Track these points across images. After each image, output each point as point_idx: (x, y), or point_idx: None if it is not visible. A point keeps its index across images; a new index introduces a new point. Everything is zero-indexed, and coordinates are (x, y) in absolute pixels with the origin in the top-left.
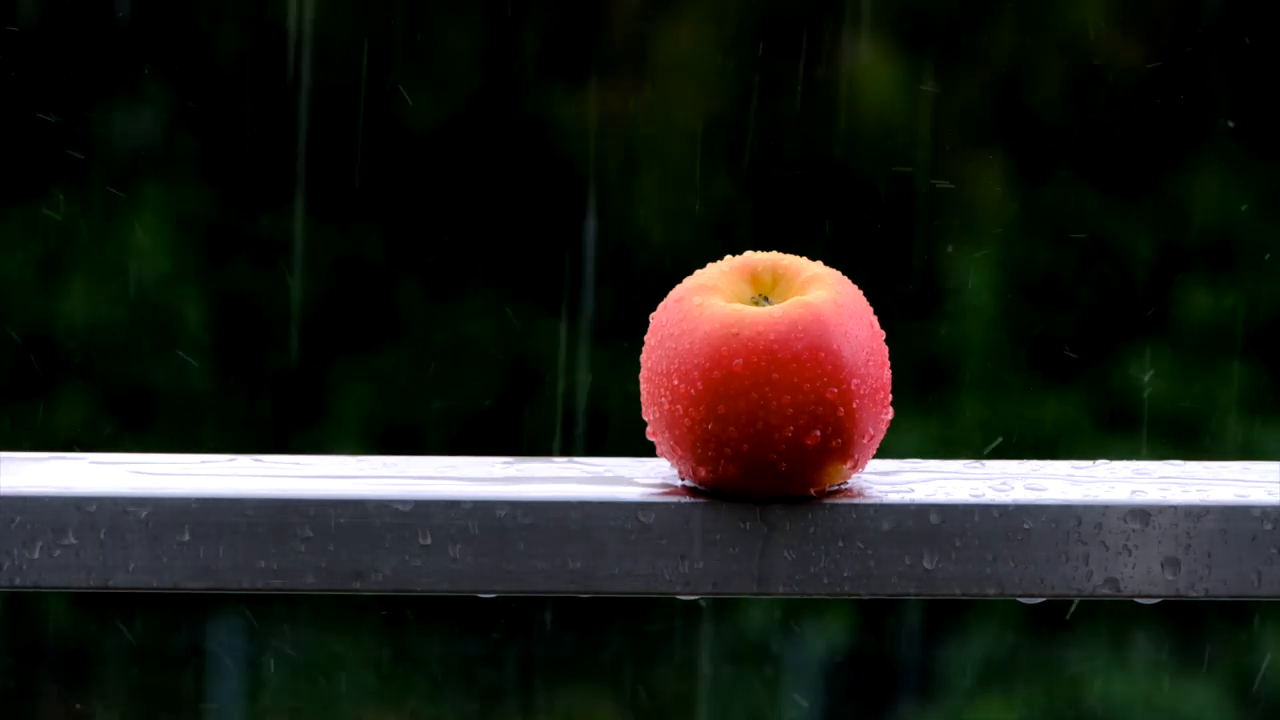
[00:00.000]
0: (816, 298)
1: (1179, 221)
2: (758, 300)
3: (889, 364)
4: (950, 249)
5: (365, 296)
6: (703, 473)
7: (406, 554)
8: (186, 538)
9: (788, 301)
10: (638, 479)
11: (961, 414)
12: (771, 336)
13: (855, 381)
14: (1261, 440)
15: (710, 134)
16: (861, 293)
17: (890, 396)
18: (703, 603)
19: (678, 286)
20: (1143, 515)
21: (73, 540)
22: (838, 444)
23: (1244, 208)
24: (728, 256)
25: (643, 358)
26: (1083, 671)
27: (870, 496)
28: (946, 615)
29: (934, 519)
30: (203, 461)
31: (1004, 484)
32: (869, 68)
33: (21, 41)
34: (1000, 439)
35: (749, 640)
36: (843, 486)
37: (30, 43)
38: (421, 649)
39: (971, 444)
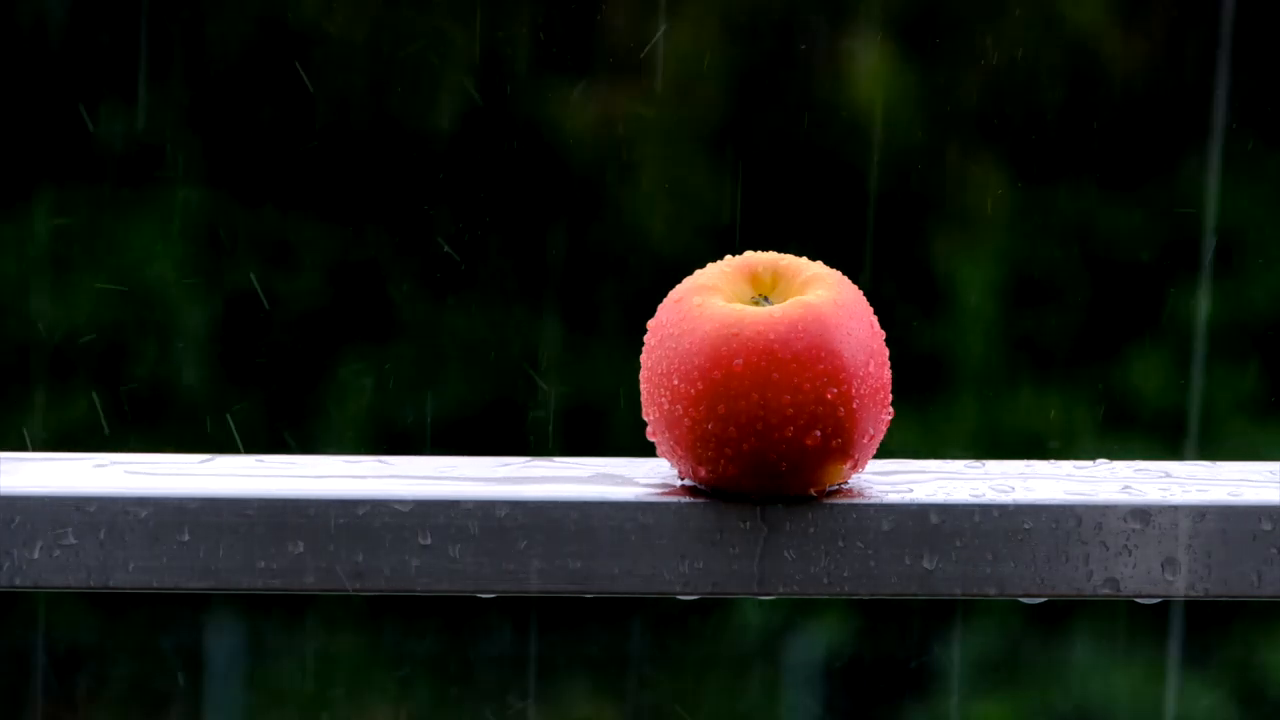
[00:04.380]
0: (816, 298)
1: (1179, 221)
2: (758, 300)
3: (889, 364)
4: (950, 249)
5: (365, 296)
6: (703, 473)
7: (406, 554)
8: (186, 538)
9: (788, 301)
10: (638, 479)
11: (961, 414)
12: (772, 336)
13: (855, 382)
14: (1261, 440)
15: (710, 133)
16: (861, 293)
17: (890, 396)
18: (701, 602)
19: (678, 286)
20: (1143, 515)
21: (73, 540)
22: (838, 444)
23: (1244, 207)
24: (728, 256)
25: (643, 358)
26: (1083, 671)
27: (870, 496)
28: (946, 615)
29: (934, 519)
30: (203, 461)
31: (1004, 484)
32: (869, 67)
33: (23, 41)
34: (999, 439)
35: (748, 640)
36: (843, 486)
37: (32, 42)
38: (421, 649)
39: (971, 444)
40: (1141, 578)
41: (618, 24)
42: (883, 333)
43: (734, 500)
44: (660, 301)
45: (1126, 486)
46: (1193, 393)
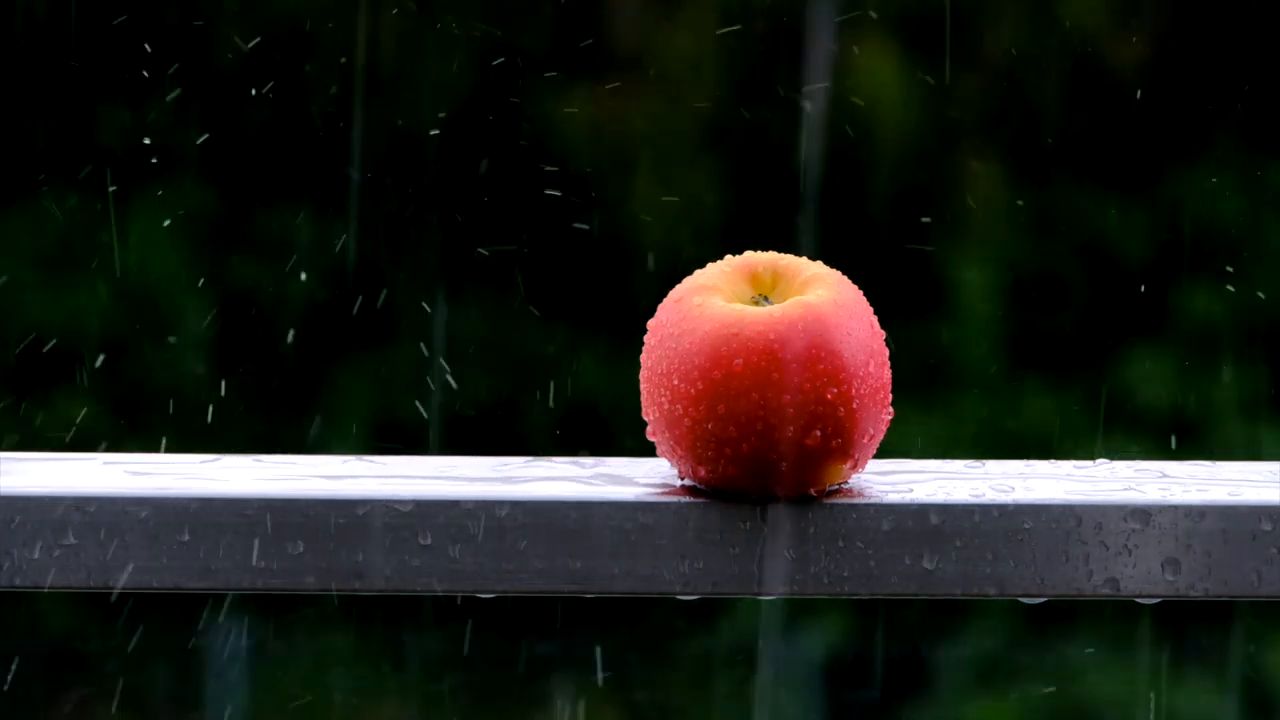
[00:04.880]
0: (816, 298)
1: (1179, 221)
2: (757, 300)
3: (889, 364)
4: (950, 248)
5: (365, 296)
6: (703, 473)
7: (406, 554)
8: (186, 538)
9: (788, 301)
10: (638, 479)
11: (961, 414)
12: (772, 336)
13: (855, 381)
14: (1261, 440)
15: (710, 134)
16: (861, 293)
17: (890, 396)
18: (701, 602)
19: (677, 286)
20: (1143, 515)
21: (73, 540)
22: (838, 444)
23: (1245, 207)
24: (727, 256)
25: (643, 358)
26: (1082, 671)
27: (870, 496)
28: (946, 615)
29: (934, 519)
30: (203, 461)
31: (1004, 484)
32: (869, 67)
33: (22, 41)
34: (999, 439)
35: (748, 640)
36: (843, 486)
37: (31, 42)
38: (421, 649)
39: (971, 444)
40: (1141, 578)
41: (618, 23)
42: (883, 333)
43: (734, 500)
44: (660, 301)
45: (1127, 486)
46: (1193, 393)
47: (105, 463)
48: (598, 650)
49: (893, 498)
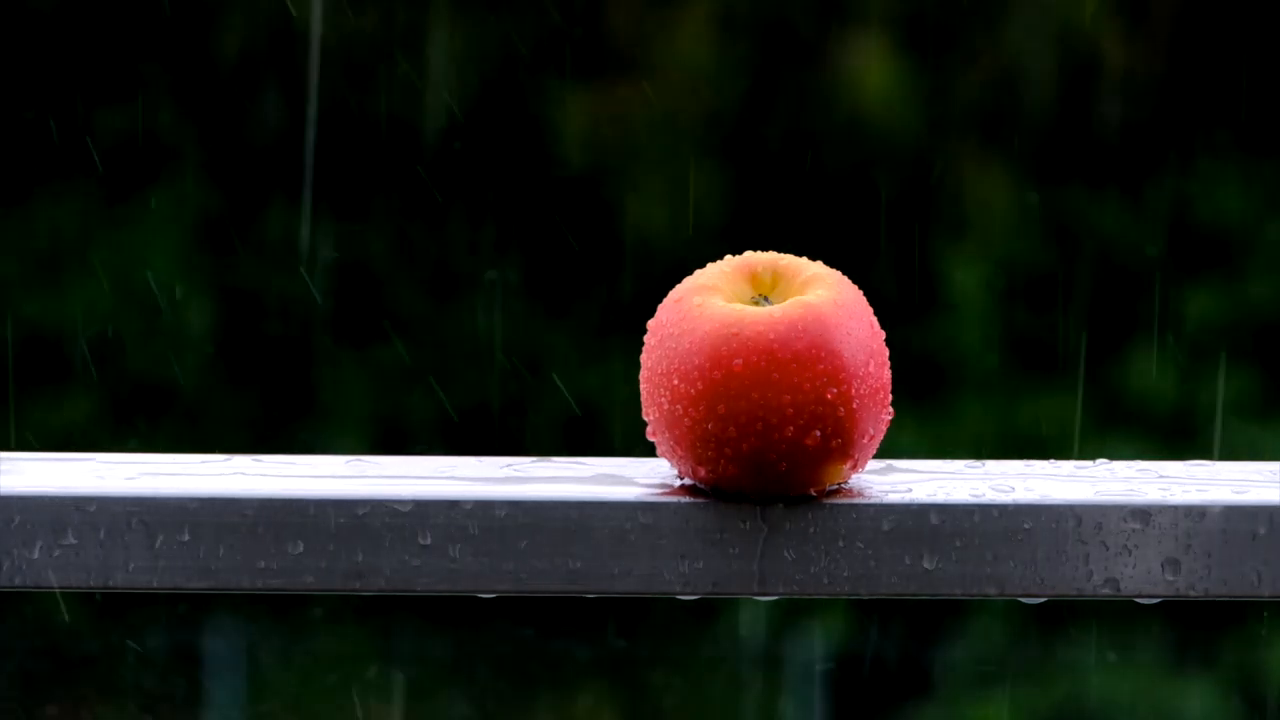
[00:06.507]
0: (816, 298)
1: (1179, 221)
2: (757, 300)
3: (889, 364)
4: (949, 249)
5: (365, 296)
6: (703, 473)
7: (406, 554)
8: (186, 538)
9: (788, 301)
10: (638, 479)
11: (961, 414)
12: (771, 336)
13: (855, 382)
14: (1261, 440)
15: (710, 134)
16: (861, 293)
17: (890, 396)
18: (701, 602)
19: (677, 286)
20: (1143, 515)
21: (73, 540)
22: (838, 444)
23: (1244, 207)
24: (727, 256)
25: (643, 358)
26: (1082, 671)
27: (870, 496)
28: (946, 615)
29: (934, 519)
30: (203, 461)
31: (1004, 484)
32: (869, 67)
33: (23, 40)
34: (999, 439)
35: (747, 640)
36: (843, 486)
37: (32, 42)
38: (421, 649)
39: (971, 444)
40: (1141, 578)
41: (619, 24)
42: (882, 333)
43: (734, 500)
44: (660, 301)
45: (1127, 487)
46: (1192, 393)
47: (105, 463)
48: (597, 651)
49: (893, 498)
